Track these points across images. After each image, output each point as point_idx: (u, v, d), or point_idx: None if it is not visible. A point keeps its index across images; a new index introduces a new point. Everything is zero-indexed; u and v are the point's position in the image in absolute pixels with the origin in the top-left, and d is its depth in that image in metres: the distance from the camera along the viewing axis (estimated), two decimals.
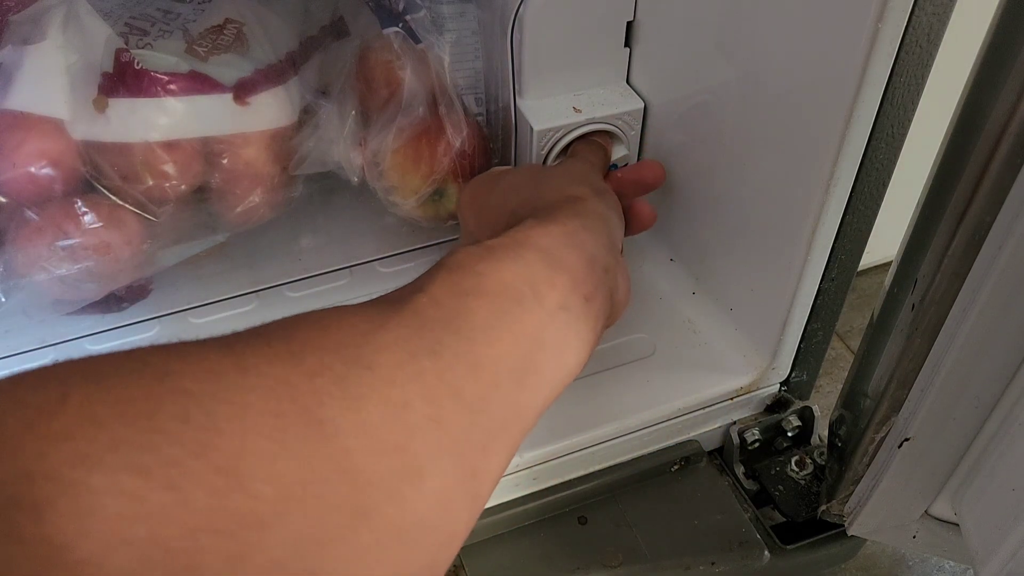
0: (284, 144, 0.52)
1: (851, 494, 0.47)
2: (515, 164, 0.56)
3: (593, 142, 0.54)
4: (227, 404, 0.22)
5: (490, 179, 0.48)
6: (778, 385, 0.54)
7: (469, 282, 0.31)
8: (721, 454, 0.56)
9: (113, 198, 0.48)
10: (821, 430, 0.54)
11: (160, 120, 0.47)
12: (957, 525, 0.44)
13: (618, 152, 0.55)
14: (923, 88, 0.39)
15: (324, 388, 0.24)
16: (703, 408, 0.52)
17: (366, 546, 0.24)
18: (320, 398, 0.24)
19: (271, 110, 0.51)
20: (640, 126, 0.56)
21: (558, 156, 0.54)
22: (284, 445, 0.22)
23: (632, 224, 0.48)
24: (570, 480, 0.51)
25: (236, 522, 0.21)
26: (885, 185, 0.43)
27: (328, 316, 0.28)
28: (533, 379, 0.31)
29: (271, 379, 0.24)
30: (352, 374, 0.25)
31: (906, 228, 0.38)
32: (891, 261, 0.39)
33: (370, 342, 0.26)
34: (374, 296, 0.63)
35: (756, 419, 0.54)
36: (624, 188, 0.49)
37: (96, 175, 0.48)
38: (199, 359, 0.24)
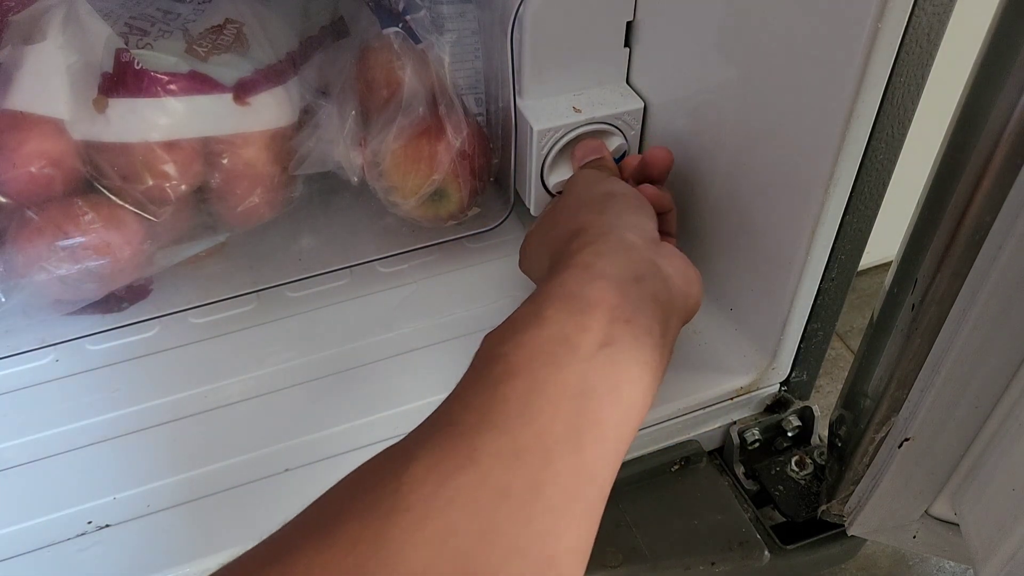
0: (284, 144, 0.52)
1: (851, 494, 0.47)
2: (515, 164, 0.56)
3: (591, 159, 0.53)
4: None
5: (526, 248, 0.49)
6: (778, 385, 0.54)
7: (497, 369, 0.31)
8: (721, 454, 0.56)
9: (113, 198, 0.48)
10: (821, 430, 0.54)
11: (160, 120, 0.47)
12: (957, 525, 0.44)
13: (613, 143, 0.55)
14: (923, 88, 0.39)
15: (366, 555, 0.25)
16: (703, 408, 0.52)
17: None
18: (365, 569, 0.25)
19: (271, 110, 0.51)
20: (640, 126, 0.56)
21: (558, 156, 0.54)
22: None
23: (653, 174, 0.49)
24: None
25: None
26: (885, 185, 0.43)
27: (363, 470, 0.29)
28: (592, 432, 0.30)
29: (314, 571, 0.24)
30: (389, 526, 0.26)
31: (906, 228, 0.38)
32: (891, 261, 0.39)
33: (401, 485, 0.27)
34: (374, 296, 0.63)
35: (756, 419, 0.54)
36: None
37: (96, 175, 0.48)
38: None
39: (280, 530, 0.27)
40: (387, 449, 0.30)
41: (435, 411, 0.31)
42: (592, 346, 0.32)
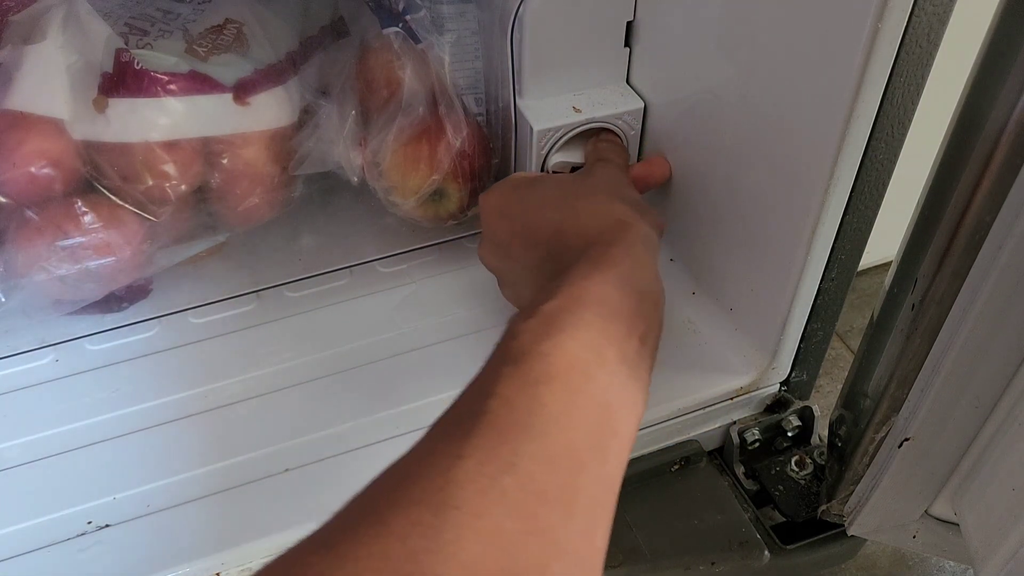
0: (284, 144, 0.52)
1: (851, 494, 0.47)
2: (515, 164, 0.56)
3: (611, 141, 0.54)
4: None
5: (516, 190, 0.47)
6: (778, 385, 0.54)
7: (537, 369, 0.32)
8: (721, 454, 0.55)
9: (113, 198, 0.48)
10: (821, 430, 0.54)
11: (160, 120, 0.47)
12: (957, 525, 0.44)
13: None
14: (923, 88, 0.39)
15: (419, 546, 0.26)
16: (703, 408, 0.52)
17: None
18: (418, 559, 0.25)
19: (271, 110, 0.51)
20: (640, 126, 0.56)
21: (558, 152, 0.54)
22: None
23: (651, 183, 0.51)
24: None
25: None
26: (885, 185, 0.43)
27: (408, 462, 0.30)
28: (613, 443, 0.32)
29: (367, 561, 0.25)
30: (441, 520, 0.26)
31: (906, 228, 0.38)
32: (891, 261, 0.39)
33: (451, 480, 0.28)
34: (374, 296, 0.63)
35: (756, 419, 0.54)
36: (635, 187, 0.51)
37: (96, 175, 0.48)
38: (300, 568, 0.26)
39: (329, 520, 0.28)
40: (426, 439, 0.31)
41: (469, 398, 0.32)
42: (615, 360, 0.34)
